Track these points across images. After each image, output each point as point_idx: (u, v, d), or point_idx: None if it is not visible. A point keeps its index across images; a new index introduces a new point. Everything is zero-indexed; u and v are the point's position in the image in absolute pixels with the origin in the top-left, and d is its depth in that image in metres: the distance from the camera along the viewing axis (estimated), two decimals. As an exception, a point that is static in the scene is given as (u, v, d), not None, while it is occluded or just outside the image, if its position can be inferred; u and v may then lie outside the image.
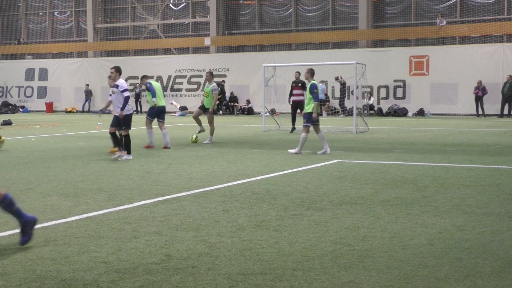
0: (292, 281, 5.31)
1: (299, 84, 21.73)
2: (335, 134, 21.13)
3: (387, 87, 33.64)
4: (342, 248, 6.30)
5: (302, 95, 21.83)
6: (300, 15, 37.78)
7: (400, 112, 32.57)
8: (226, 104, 36.75)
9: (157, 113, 16.90)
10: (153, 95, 16.63)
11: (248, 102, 36.15)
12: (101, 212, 8.14)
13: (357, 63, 23.17)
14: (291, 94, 21.97)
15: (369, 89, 32.90)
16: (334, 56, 33.36)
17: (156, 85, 17.27)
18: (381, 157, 14.15)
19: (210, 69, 36.91)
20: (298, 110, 21.41)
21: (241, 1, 39.50)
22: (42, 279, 5.37)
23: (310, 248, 6.33)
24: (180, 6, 41.22)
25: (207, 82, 18.06)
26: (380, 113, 33.19)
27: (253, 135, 21.34)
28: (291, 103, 22.08)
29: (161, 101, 16.96)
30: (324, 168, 12.29)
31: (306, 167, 12.43)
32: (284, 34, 37.62)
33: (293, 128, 21.91)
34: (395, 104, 33.07)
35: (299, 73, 22.13)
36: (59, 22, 45.30)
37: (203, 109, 18.01)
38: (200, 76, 38.12)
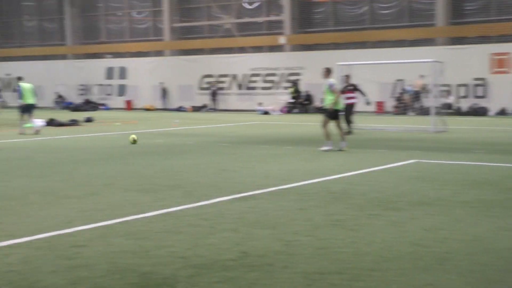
0: (369, 281, 5.25)
1: (350, 87, 21.44)
2: (412, 134, 20.77)
3: (466, 86, 32.78)
4: (421, 250, 6.17)
5: (354, 98, 21.50)
6: (375, 13, 37.25)
7: (480, 111, 31.67)
8: (301, 103, 36.75)
9: (27, 108, 21.72)
10: (20, 95, 21.77)
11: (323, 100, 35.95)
12: (179, 208, 8.27)
13: (435, 61, 22.66)
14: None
15: (447, 88, 32.15)
16: (411, 54, 32.69)
17: (25, 86, 22.06)
18: (461, 157, 13.79)
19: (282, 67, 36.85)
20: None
21: (316, -1, 39.30)
22: (123, 272, 5.50)
23: (387, 248, 6.24)
24: (255, 5, 41.38)
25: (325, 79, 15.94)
26: (459, 112, 32.37)
27: (328, 133, 21.15)
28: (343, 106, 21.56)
29: (29, 100, 21.82)
30: (401, 168, 12.09)
31: (383, 167, 12.26)
32: (359, 32, 37.18)
33: (349, 132, 21.17)
34: (475, 103, 32.19)
35: (348, 76, 21.87)
36: (137, 22, 46.29)
37: (329, 115, 15.55)
38: (275, 75, 38.23)
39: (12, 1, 50.75)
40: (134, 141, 17.29)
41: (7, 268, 5.56)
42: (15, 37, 51.34)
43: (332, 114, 15.43)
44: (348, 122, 21.17)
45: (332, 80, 15.60)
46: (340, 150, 14.99)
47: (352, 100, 21.32)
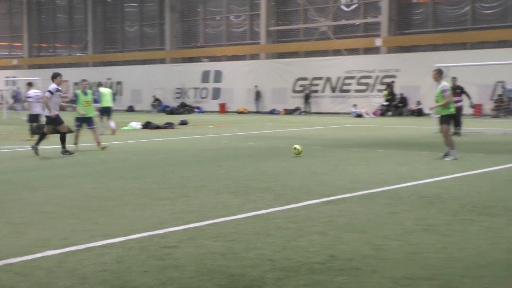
0: (461, 288, 5.10)
1: (457, 91, 20.75)
2: (509, 137, 20.00)
3: None
4: (517, 257, 5.94)
5: (461, 101, 20.80)
6: (477, 13, 36.09)
7: None
8: (395, 105, 36.16)
9: (104, 111, 23.01)
10: (98, 100, 22.45)
11: (418, 103, 35.22)
12: (269, 210, 8.31)
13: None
14: None
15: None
16: (514, 55, 31.47)
17: (104, 91, 23.42)
18: None
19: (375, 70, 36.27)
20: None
21: (415, 0, 38.49)
22: (212, 273, 5.58)
23: (481, 255, 6.03)
24: (352, 7, 41.03)
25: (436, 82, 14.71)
26: None
27: (422, 137, 20.74)
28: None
29: (107, 103, 23.02)
30: (498, 172, 11.66)
31: (478, 171, 11.86)
32: (459, 33, 36.14)
33: (455, 133, 20.46)
34: None
35: (455, 78, 21.18)
36: (234, 26, 46.95)
37: (443, 120, 14.34)
38: (369, 77, 37.82)
39: (116, 8, 52.73)
40: (298, 152, 14.87)
41: (102, 267, 5.76)
42: (117, 43, 53.30)
43: (447, 119, 14.26)
44: (456, 125, 20.57)
45: (445, 83, 14.42)
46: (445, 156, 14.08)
47: (459, 104, 20.65)
